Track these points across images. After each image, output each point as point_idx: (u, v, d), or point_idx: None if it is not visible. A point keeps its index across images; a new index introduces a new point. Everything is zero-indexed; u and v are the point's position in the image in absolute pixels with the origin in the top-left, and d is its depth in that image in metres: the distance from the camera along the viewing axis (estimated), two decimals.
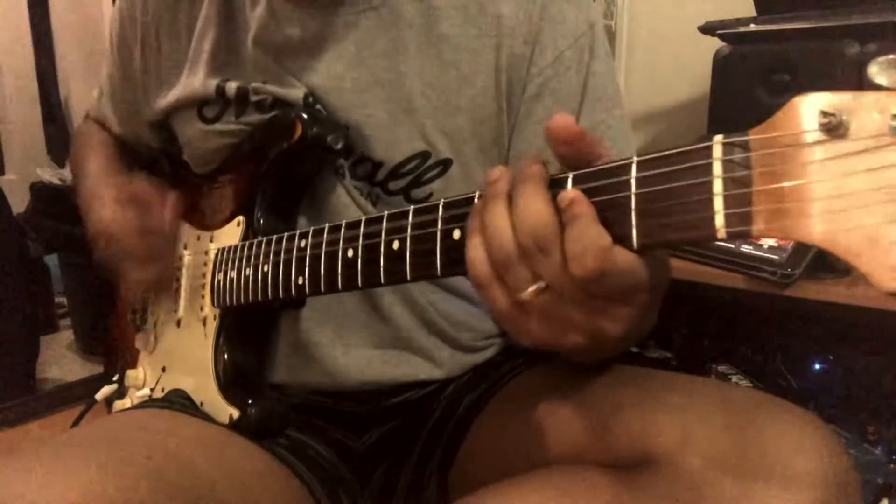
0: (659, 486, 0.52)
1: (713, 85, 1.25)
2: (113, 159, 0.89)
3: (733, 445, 0.51)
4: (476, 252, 0.44)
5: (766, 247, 1.05)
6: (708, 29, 1.26)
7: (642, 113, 1.63)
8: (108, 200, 0.75)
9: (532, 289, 0.41)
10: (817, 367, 1.20)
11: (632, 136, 0.74)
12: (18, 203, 1.90)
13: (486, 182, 0.45)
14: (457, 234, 0.48)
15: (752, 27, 1.20)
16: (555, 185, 0.42)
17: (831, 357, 1.20)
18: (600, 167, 0.41)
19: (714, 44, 1.25)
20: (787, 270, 1.01)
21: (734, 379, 1.22)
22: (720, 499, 0.49)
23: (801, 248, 1.02)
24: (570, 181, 0.42)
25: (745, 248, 1.07)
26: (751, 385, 1.20)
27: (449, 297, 0.76)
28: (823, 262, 1.03)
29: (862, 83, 1.06)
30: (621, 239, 0.39)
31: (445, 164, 0.71)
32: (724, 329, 1.31)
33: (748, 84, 1.18)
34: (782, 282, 1.01)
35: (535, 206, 0.41)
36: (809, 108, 0.32)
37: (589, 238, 0.39)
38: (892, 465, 1.03)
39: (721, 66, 1.23)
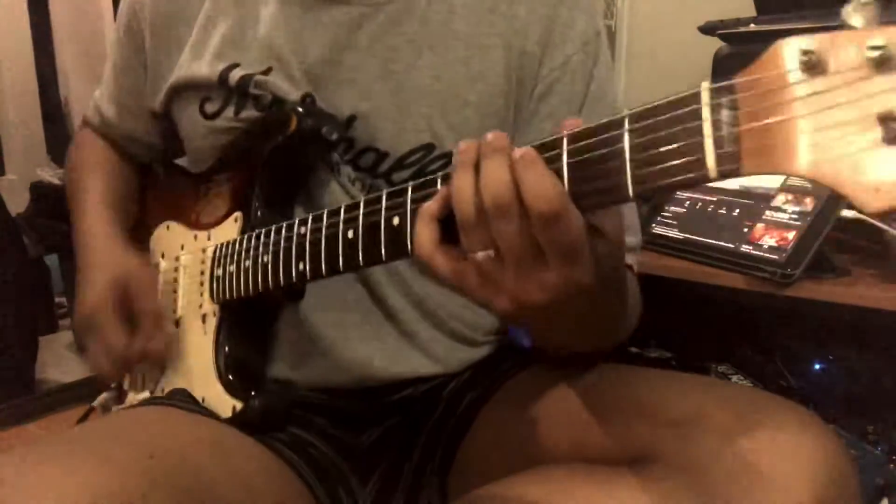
0: (658, 484, 0.52)
1: None
2: (110, 184, 0.89)
3: (733, 444, 0.51)
4: (427, 224, 0.49)
5: (766, 247, 1.05)
6: (708, 29, 1.26)
7: None
8: (99, 283, 0.75)
9: (482, 254, 0.46)
10: (817, 367, 1.20)
11: None
12: (18, 203, 1.90)
13: (456, 153, 0.48)
14: None
15: (752, 27, 1.20)
16: (551, 146, 0.45)
17: (831, 357, 1.19)
18: (595, 125, 0.43)
19: (714, 44, 1.25)
20: (787, 270, 1.01)
21: (734, 379, 1.22)
22: (719, 497, 0.49)
23: (801, 248, 1.02)
24: (565, 139, 0.44)
25: (745, 248, 1.07)
26: (751, 385, 1.20)
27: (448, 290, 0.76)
28: (823, 262, 1.03)
29: None
30: (617, 188, 0.42)
31: (450, 157, 0.72)
32: (724, 329, 1.31)
33: None
34: (782, 282, 1.01)
35: (497, 173, 0.45)
36: (790, 49, 0.35)
37: (546, 181, 0.43)
38: (892, 465, 1.03)
39: (721, 66, 1.23)
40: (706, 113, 0.37)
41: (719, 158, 0.37)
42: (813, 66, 0.33)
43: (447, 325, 0.76)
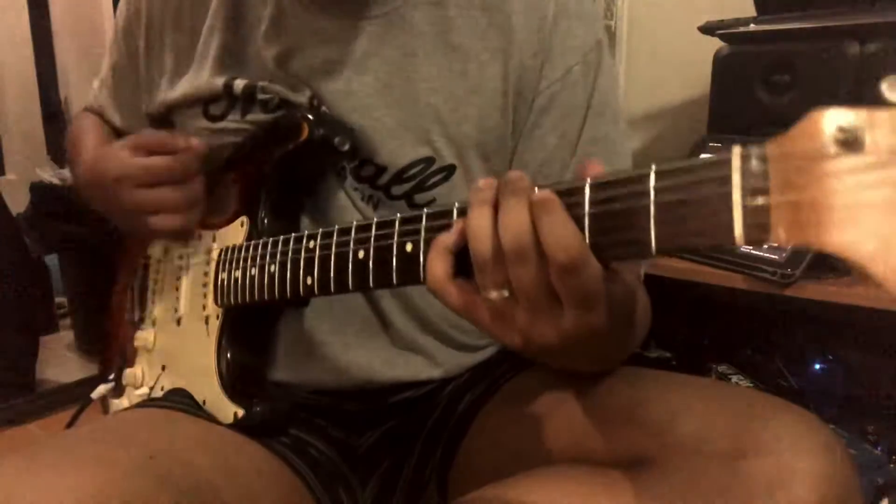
0: (658, 485, 0.52)
1: (713, 85, 1.25)
2: (111, 135, 0.88)
3: (733, 445, 0.51)
4: (441, 256, 0.48)
5: (766, 247, 1.05)
6: (708, 29, 1.26)
7: (642, 113, 1.63)
8: (120, 150, 0.71)
9: (496, 293, 0.45)
10: (817, 367, 1.20)
11: (630, 148, 0.76)
12: (18, 203, 1.90)
13: (474, 190, 0.47)
14: None
15: (752, 27, 1.20)
16: (573, 193, 0.44)
17: (831, 357, 1.20)
18: (619, 177, 0.42)
19: (714, 44, 1.25)
20: (787, 270, 1.01)
21: (734, 379, 1.22)
22: (719, 499, 0.49)
23: (801, 248, 1.02)
24: (587, 189, 0.43)
25: (745, 248, 1.07)
26: (751, 385, 1.20)
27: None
28: (823, 262, 1.03)
29: (861, 83, 1.06)
30: (639, 243, 0.41)
31: (449, 171, 0.71)
32: (724, 329, 1.31)
33: (748, 84, 1.18)
34: (782, 282, 1.01)
35: (516, 216, 0.44)
36: (826, 122, 0.34)
37: (566, 230, 0.42)
38: (892, 465, 1.03)
39: (721, 66, 1.23)
40: (736, 179, 0.36)
41: (747, 227, 0.36)
42: (849, 142, 0.33)
43: (447, 336, 0.76)
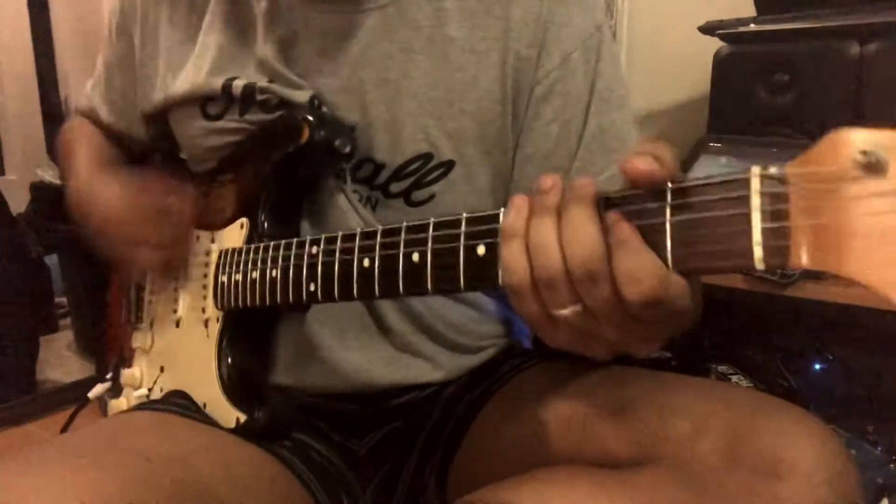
0: (657, 486, 0.52)
1: (713, 85, 1.25)
2: (103, 149, 0.88)
3: (733, 446, 0.51)
4: (516, 262, 0.43)
5: None
6: (708, 29, 1.25)
7: (642, 113, 1.63)
8: (116, 185, 0.73)
9: (569, 310, 0.42)
10: (817, 367, 1.20)
11: (637, 135, 0.74)
12: (18, 203, 1.90)
13: (536, 189, 0.44)
14: (481, 250, 0.47)
15: (752, 27, 1.19)
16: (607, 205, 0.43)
17: (831, 357, 1.19)
18: (634, 191, 0.41)
19: (714, 44, 1.25)
20: (787, 270, 1.01)
21: (734, 379, 1.22)
22: (720, 499, 0.49)
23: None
24: (601, 204, 0.42)
25: None
26: (751, 385, 1.20)
27: (447, 302, 0.76)
28: None
29: (861, 83, 1.06)
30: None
31: (448, 166, 0.71)
32: (724, 329, 1.31)
33: (748, 84, 1.18)
34: (782, 282, 1.01)
35: (587, 232, 0.40)
36: (848, 144, 0.33)
37: (645, 265, 0.39)
38: (892, 465, 1.03)
39: (721, 66, 1.23)
40: (755, 202, 0.35)
41: (767, 251, 0.35)
42: (871, 165, 0.32)
43: (446, 338, 0.76)
